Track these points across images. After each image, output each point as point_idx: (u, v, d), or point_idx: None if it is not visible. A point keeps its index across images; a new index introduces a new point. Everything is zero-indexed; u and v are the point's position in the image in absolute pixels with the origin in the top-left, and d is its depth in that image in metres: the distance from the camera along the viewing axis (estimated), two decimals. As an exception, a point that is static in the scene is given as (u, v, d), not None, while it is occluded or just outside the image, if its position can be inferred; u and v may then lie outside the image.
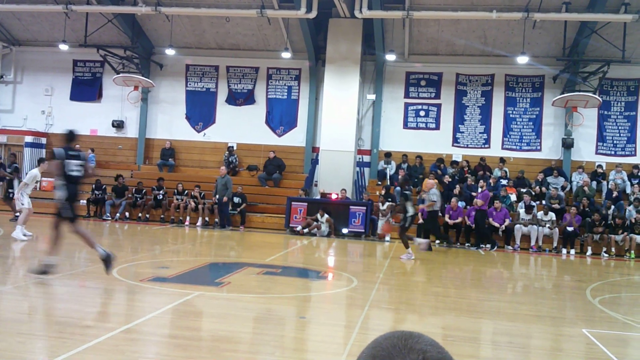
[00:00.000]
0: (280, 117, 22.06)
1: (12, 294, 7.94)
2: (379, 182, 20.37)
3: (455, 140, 21.09)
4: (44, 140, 23.33)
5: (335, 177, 19.56)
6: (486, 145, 20.91)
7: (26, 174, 16.69)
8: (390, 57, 20.34)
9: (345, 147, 20.00)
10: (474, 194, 18.52)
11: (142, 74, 21.66)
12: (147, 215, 19.65)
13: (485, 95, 21.00)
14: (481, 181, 18.24)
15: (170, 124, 22.79)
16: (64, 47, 21.51)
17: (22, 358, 5.31)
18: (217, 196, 18.72)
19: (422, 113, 21.31)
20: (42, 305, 7.69)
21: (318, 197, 19.78)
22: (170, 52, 21.30)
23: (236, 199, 19.28)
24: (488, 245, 17.20)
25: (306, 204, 18.74)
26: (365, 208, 18.20)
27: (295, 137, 21.84)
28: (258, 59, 22.16)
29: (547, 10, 17.79)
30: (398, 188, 14.04)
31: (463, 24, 19.69)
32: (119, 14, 20.42)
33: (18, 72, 23.90)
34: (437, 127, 21.18)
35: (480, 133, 20.98)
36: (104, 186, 20.06)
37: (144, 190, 20.01)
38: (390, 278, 11.29)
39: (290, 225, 18.51)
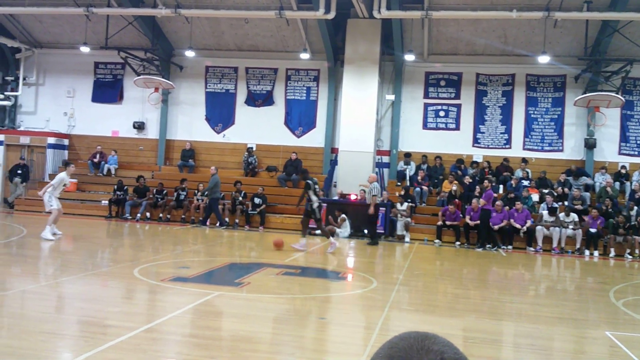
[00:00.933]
0: (299, 118, 22.08)
1: (35, 293, 8.03)
2: (399, 183, 20.29)
3: (475, 141, 20.94)
4: (66, 142, 23.62)
5: (354, 178, 19.49)
6: (507, 146, 20.73)
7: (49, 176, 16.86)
8: (409, 57, 20.26)
9: (364, 148, 19.95)
10: (494, 194, 18.37)
11: (162, 75, 21.83)
12: (168, 216, 19.78)
13: (506, 95, 20.82)
14: (485, 181, 18.05)
15: (190, 125, 22.93)
16: (85, 49, 21.74)
17: (45, 357, 5.37)
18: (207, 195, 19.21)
19: (441, 113, 21.19)
20: (64, 305, 7.78)
21: (337, 198, 19.74)
22: (190, 53, 21.43)
23: (257, 200, 19.34)
24: (510, 247, 17.06)
25: (325, 204, 18.71)
26: (384, 209, 18.13)
27: (314, 138, 21.85)
28: (277, 60, 22.20)
29: (568, 9, 17.58)
30: (307, 181, 14.14)
31: (483, 24, 19.55)
32: (139, 16, 20.59)
33: (40, 74, 24.20)
34: (457, 128, 21.05)
35: (501, 133, 20.80)
36: (126, 187, 20.25)
37: (165, 191, 20.16)
38: (410, 279, 11.24)
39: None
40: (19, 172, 21.55)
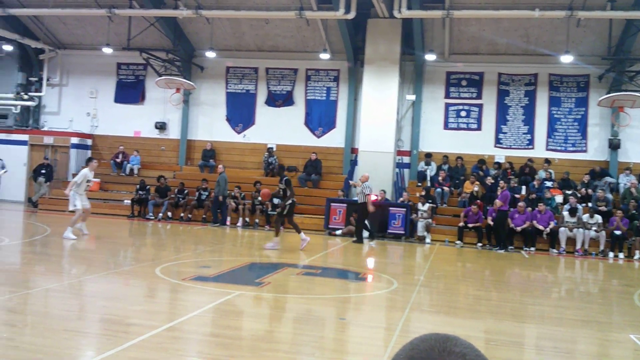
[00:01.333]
0: (319, 118, 22.09)
1: (58, 292, 8.13)
2: (419, 184, 20.19)
3: (497, 141, 20.76)
4: (89, 142, 23.89)
5: (374, 178, 19.43)
6: (530, 146, 20.52)
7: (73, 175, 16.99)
8: (430, 57, 20.15)
9: (384, 148, 19.87)
10: (517, 195, 18.20)
11: (183, 76, 21.98)
12: (190, 215, 19.91)
13: (529, 95, 20.60)
14: (501, 182, 17.85)
15: (211, 125, 23.06)
16: (107, 50, 21.98)
17: (68, 354, 5.42)
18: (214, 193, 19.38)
19: (463, 113, 21.04)
20: (87, 303, 7.85)
21: (357, 198, 19.68)
22: (210, 54, 21.54)
23: (276, 200, 19.34)
24: (532, 249, 16.88)
25: (345, 205, 18.71)
26: (404, 209, 18.07)
27: (334, 138, 21.84)
28: (297, 61, 22.23)
29: (591, 8, 17.35)
30: (286, 178, 14.01)
31: (505, 23, 19.38)
32: (160, 17, 20.75)
33: (64, 75, 24.51)
34: (479, 128, 20.89)
35: (523, 134, 20.59)
36: (148, 187, 20.43)
37: (186, 191, 20.30)
38: (431, 280, 11.18)
39: (329, 226, 18.50)
40: (43, 171, 21.86)
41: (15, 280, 8.85)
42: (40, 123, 24.56)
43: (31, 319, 6.73)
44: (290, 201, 13.83)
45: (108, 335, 6.10)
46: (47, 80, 24.35)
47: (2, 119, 24.29)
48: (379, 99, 19.98)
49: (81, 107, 24.08)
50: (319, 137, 22.03)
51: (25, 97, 24.06)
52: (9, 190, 22.75)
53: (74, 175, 22.36)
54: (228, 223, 19.25)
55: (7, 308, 6.95)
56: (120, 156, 22.67)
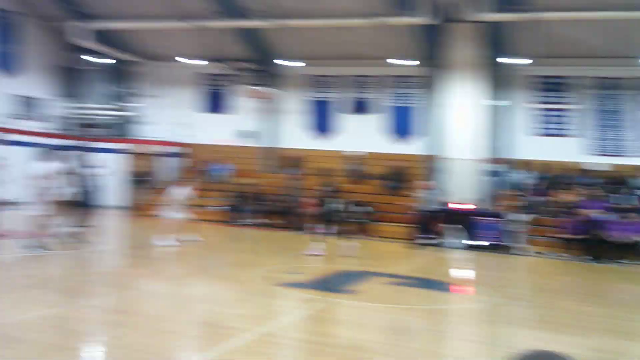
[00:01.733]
0: (402, 125, 21.98)
1: (158, 294, 8.43)
2: (516, 193, 19.41)
3: (595, 148, 19.82)
4: (184, 151, 24.76)
5: (462, 186, 19.00)
6: (629, 154, 19.45)
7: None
8: (519, 61, 19.48)
9: (470, 155, 19.30)
10: (619, 205, 17.26)
11: (267, 85, 22.47)
12: (280, 222, 20.16)
13: (628, 100, 19.57)
14: (596, 191, 16.89)
15: (296, 133, 23.41)
16: (195, 61, 22.77)
17: (164, 355, 5.60)
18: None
19: (557, 119, 20.24)
20: (185, 306, 8.09)
21: (441, 206, 19.22)
22: (292, 63, 21.84)
23: (361, 208, 19.23)
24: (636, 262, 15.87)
25: (429, 213, 18.32)
26: (497, 219, 17.51)
27: (417, 145, 21.59)
28: (378, 67, 22.12)
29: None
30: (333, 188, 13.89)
31: (599, 25, 18.38)
32: (243, 28, 21.24)
33: (155, 86, 25.56)
34: (575, 134, 20.00)
35: (623, 140, 19.55)
36: (242, 194, 20.99)
37: (276, 198, 20.65)
38: (531, 294, 10.79)
39: (416, 235, 18.19)
40: (142, 179, 22.98)
41: (119, 282, 9.26)
42: (138, 133, 25.74)
43: (134, 319, 7.01)
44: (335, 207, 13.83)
45: (207, 338, 6.27)
46: (140, 91, 25.52)
47: (102, 128, 25.66)
48: (464, 105, 19.43)
49: (175, 117, 24.99)
50: (401, 144, 21.89)
51: (122, 107, 25.36)
52: (110, 197, 23.89)
53: (170, 183, 23.35)
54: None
55: (114, 308, 7.28)
56: (214, 164, 23.46)
